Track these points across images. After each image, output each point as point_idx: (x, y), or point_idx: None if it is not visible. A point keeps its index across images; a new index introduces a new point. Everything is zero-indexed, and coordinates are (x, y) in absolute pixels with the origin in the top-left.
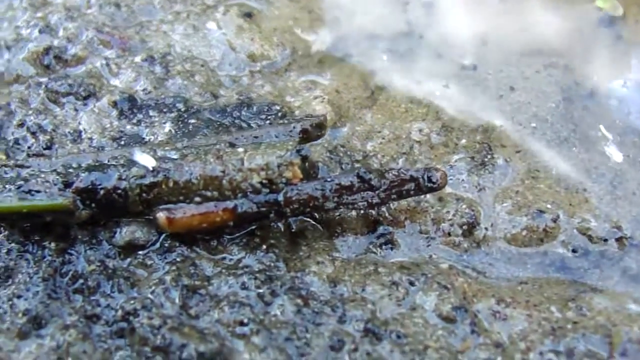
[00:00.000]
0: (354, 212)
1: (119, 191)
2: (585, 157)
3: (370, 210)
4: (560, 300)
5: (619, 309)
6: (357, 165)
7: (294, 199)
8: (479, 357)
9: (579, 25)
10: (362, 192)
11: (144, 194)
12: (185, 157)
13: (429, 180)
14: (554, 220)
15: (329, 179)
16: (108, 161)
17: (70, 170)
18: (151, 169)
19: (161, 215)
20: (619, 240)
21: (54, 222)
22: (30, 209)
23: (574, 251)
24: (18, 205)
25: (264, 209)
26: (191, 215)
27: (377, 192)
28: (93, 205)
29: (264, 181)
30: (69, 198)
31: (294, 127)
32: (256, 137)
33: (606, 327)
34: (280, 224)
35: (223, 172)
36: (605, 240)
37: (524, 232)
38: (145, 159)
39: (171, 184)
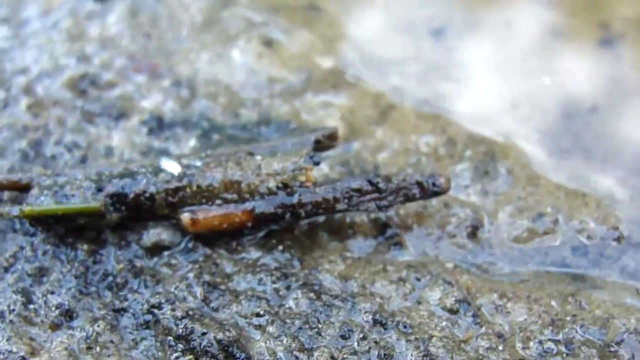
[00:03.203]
0: (364, 217)
1: (147, 195)
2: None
3: (379, 213)
4: (560, 295)
5: (617, 303)
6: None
7: (307, 200)
8: (481, 346)
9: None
10: (370, 195)
11: (169, 198)
12: (207, 165)
13: (433, 184)
14: (554, 223)
15: (339, 183)
16: (137, 169)
17: (103, 177)
18: (176, 174)
19: (185, 217)
20: (617, 240)
21: (87, 225)
22: (65, 211)
23: (573, 251)
24: (54, 208)
25: (279, 210)
26: (212, 217)
27: (384, 194)
28: (123, 208)
29: (280, 185)
30: (101, 201)
31: (307, 138)
32: (273, 147)
33: (604, 319)
34: (296, 229)
35: (242, 177)
36: (604, 240)
37: (525, 234)
38: (171, 166)
39: (194, 188)
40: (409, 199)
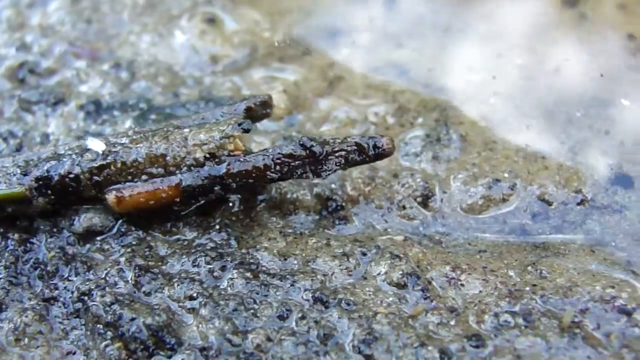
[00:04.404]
0: (307, 191)
1: (72, 176)
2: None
3: (317, 182)
4: (519, 265)
5: (581, 270)
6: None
7: (236, 170)
8: (431, 322)
9: None
10: (305, 160)
11: (94, 177)
12: (133, 141)
13: (375, 146)
14: (511, 188)
15: (270, 149)
16: (64, 152)
17: (30, 163)
18: (101, 152)
19: (110, 196)
20: (580, 203)
21: (17, 214)
22: None
23: (533, 217)
24: None
25: (207, 182)
26: (138, 194)
27: (320, 158)
28: (49, 192)
29: (207, 155)
30: (25, 186)
31: (238, 106)
32: (203, 118)
33: (567, 287)
34: (236, 206)
35: (167, 150)
36: (566, 204)
37: (481, 202)
38: (96, 144)
39: (119, 165)
40: (348, 162)
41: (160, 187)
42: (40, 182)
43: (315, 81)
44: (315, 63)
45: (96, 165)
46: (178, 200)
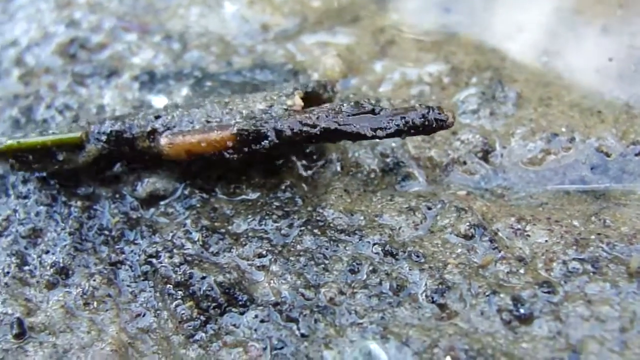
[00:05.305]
0: (369, 150)
1: (129, 124)
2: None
3: (374, 139)
4: (582, 215)
5: None
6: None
7: (292, 119)
8: (500, 271)
9: None
10: (364, 117)
11: (150, 123)
12: (196, 102)
13: (436, 119)
14: (570, 141)
15: (329, 104)
16: (128, 114)
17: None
18: (162, 107)
19: (163, 139)
20: (638, 154)
21: (66, 165)
22: (44, 142)
23: (592, 169)
24: (33, 140)
25: (262, 128)
26: (191, 136)
27: (379, 117)
28: (103, 139)
29: (265, 108)
30: (81, 131)
31: (303, 84)
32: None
33: (631, 235)
34: (298, 167)
35: (227, 104)
36: (624, 156)
37: (540, 155)
38: (159, 101)
39: (177, 113)
40: (407, 126)
41: (215, 130)
42: (96, 133)
43: (367, 45)
44: (366, 28)
45: (153, 113)
46: (231, 145)
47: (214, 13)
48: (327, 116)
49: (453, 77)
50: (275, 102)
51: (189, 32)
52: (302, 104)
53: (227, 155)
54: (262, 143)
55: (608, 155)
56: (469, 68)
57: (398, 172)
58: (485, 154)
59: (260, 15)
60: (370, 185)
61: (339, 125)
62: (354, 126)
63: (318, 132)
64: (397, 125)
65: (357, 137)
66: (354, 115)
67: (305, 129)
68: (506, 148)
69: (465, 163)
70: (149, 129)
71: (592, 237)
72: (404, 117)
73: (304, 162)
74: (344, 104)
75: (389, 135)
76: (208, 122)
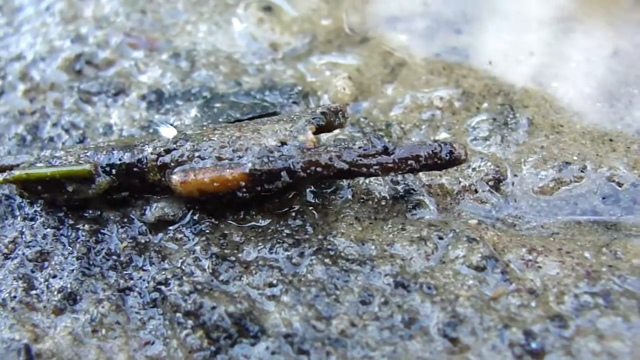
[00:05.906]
0: (380, 179)
1: (139, 157)
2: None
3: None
4: (593, 247)
5: None
6: (380, 134)
7: (306, 159)
8: (512, 304)
9: None
10: (377, 156)
11: (160, 158)
12: (207, 130)
13: (450, 153)
14: (582, 170)
15: (342, 143)
16: (136, 143)
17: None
18: (171, 138)
19: (175, 176)
20: None
21: (76, 196)
22: (53, 174)
23: (604, 199)
24: (43, 172)
25: (274, 168)
26: (203, 174)
27: (392, 156)
28: (113, 171)
29: (278, 144)
30: (89, 164)
31: (314, 110)
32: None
33: None
34: (308, 194)
35: (239, 137)
36: (636, 186)
37: (552, 184)
38: (168, 131)
39: (188, 148)
40: (420, 164)
41: (227, 169)
42: (106, 165)
43: (376, 67)
44: (375, 50)
45: (164, 147)
46: (244, 184)
47: (222, 30)
48: (339, 157)
49: (464, 102)
50: (288, 139)
51: (196, 49)
52: (315, 139)
53: (240, 195)
54: (275, 183)
55: (620, 185)
56: (479, 92)
57: (409, 199)
58: (497, 183)
59: (269, 34)
60: (381, 213)
61: (352, 166)
62: (366, 169)
63: (331, 174)
64: (410, 165)
65: (369, 175)
66: (366, 156)
67: (318, 169)
68: (517, 176)
69: (476, 191)
70: (159, 163)
71: (604, 269)
72: (417, 157)
73: (313, 188)
74: (357, 143)
75: (401, 174)
76: (219, 158)
